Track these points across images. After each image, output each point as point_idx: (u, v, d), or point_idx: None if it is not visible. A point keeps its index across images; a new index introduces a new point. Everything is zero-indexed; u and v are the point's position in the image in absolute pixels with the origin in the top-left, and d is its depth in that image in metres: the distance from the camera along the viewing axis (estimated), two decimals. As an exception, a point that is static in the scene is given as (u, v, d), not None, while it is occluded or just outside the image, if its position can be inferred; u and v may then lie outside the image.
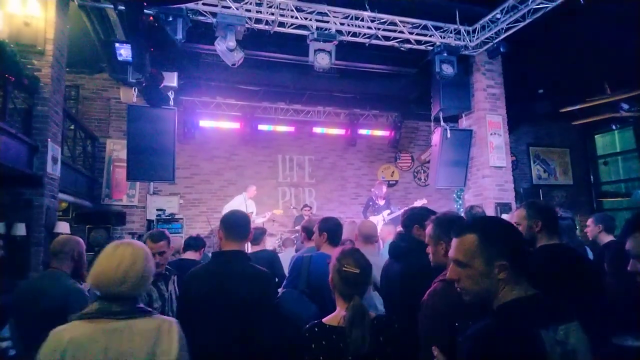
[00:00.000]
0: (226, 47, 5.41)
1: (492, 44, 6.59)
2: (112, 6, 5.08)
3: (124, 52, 3.90)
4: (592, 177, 11.62)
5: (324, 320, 1.65)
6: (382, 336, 1.59)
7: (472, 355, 1.06)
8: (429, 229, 1.83)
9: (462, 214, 3.99)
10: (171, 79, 5.92)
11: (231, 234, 2.14)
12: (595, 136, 11.57)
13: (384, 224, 5.43)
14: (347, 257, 1.71)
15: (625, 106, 8.57)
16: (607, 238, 3.58)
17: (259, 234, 4.23)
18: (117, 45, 3.96)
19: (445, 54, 6.40)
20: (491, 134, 7.00)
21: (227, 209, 7.41)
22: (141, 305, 1.50)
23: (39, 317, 2.07)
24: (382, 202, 7.67)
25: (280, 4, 5.68)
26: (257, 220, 7.75)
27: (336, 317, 1.64)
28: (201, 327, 1.93)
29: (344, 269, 1.67)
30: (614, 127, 10.47)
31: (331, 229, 2.67)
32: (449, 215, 1.87)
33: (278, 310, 2.20)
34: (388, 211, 7.50)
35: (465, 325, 1.18)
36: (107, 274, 1.43)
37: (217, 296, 1.97)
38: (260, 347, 1.95)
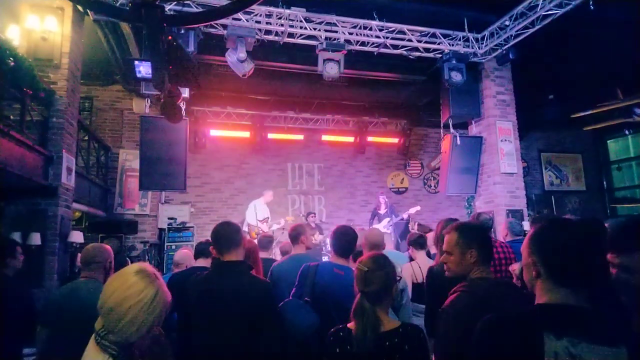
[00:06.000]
0: (237, 58, 5.49)
1: (501, 50, 6.57)
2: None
3: (144, 69, 4.00)
4: (605, 182, 11.44)
5: (349, 325, 1.67)
6: (407, 344, 1.59)
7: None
8: (452, 237, 1.75)
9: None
10: (183, 90, 6.02)
11: (218, 248, 2.15)
12: (608, 141, 11.42)
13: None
14: (367, 258, 1.75)
15: (638, 111, 8.47)
16: None
17: (267, 242, 4.25)
18: (136, 62, 4.06)
19: (454, 62, 6.40)
20: (501, 141, 6.95)
21: (249, 216, 7.89)
22: None
23: (79, 327, 2.06)
24: (383, 211, 8.31)
25: (289, 15, 5.75)
26: (273, 227, 7.98)
27: None
28: (200, 337, 1.95)
29: (357, 266, 1.73)
30: (627, 132, 10.33)
31: (335, 240, 2.67)
32: (469, 222, 1.87)
33: (279, 320, 2.20)
34: (388, 219, 8.12)
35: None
36: None
37: (216, 307, 1.98)
38: (260, 357, 1.96)
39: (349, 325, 1.67)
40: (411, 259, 3.71)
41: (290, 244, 4.55)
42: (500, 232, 4.20)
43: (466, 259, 1.68)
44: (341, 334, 1.64)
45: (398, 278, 1.80)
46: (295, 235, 3.20)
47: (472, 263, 1.67)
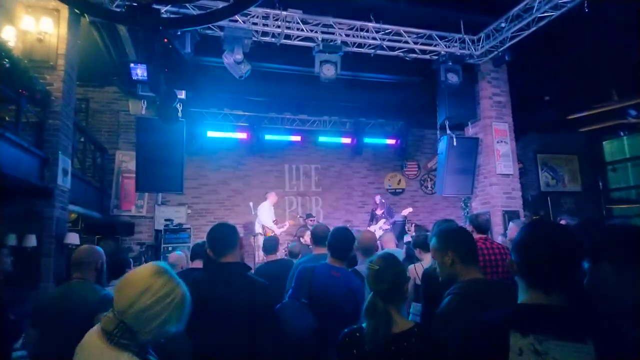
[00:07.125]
0: (233, 60, 5.49)
1: (497, 52, 6.61)
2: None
3: (140, 71, 4.00)
4: (601, 183, 11.49)
5: (364, 325, 1.66)
6: (424, 344, 1.59)
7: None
8: (432, 244, 1.81)
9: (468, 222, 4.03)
10: (179, 92, 6.01)
11: (214, 250, 2.15)
12: (604, 142, 11.47)
13: (385, 232, 5.60)
14: (377, 257, 1.76)
15: (633, 112, 8.53)
16: None
17: (275, 243, 4.33)
18: (132, 65, 4.05)
19: (450, 63, 6.43)
20: (498, 142, 6.98)
21: (265, 219, 8.03)
22: None
23: (72, 327, 2.04)
24: (380, 212, 8.40)
25: (286, 17, 5.76)
26: (277, 230, 8.06)
27: None
28: (197, 338, 1.95)
29: (368, 266, 1.73)
30: (622, 133, 10.38)
31: (332, 242, 2.66)
32: (448, 225, 1.89)
33: (277, 320, 2.20)
34: (384, 220, 8.22)
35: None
36: None
37: (214, 307, 1.99)
38: (257, 358, 1.96)
39: (364, 325, 1.65)
40: (417, 260, 3.71)
41: (299, 245, 4.59)
42: (509, 234, 4.28)
43: (445, 262, 1.74)
44: (357, 334, 1.62)
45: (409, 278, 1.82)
46: (326, 236, 3.17)
47: (451, 265, 1.72)
